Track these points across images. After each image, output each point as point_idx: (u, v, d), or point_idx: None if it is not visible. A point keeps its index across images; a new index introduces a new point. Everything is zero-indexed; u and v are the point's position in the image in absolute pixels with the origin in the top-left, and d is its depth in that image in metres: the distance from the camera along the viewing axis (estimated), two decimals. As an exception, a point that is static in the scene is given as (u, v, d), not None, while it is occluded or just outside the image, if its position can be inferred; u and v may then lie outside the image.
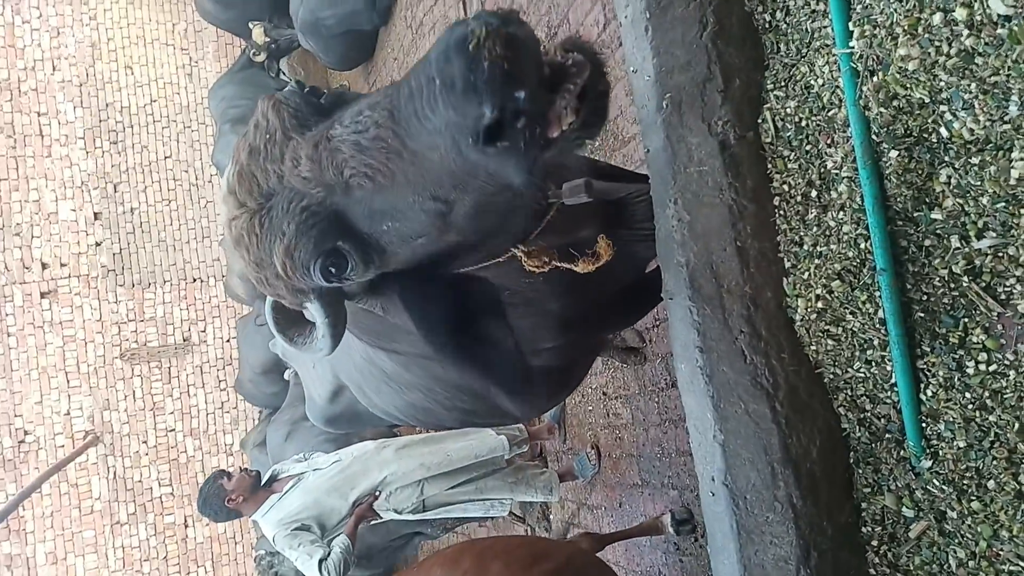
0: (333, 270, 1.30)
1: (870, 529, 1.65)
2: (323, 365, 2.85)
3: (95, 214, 9.92)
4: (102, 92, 10.13)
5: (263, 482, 3.79)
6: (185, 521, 9.79)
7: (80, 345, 9.72)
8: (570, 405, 4.23)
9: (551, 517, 4.64)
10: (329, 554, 3.51)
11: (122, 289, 9.89)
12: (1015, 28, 1.17)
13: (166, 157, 10.23)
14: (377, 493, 3.81)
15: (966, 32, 1.23)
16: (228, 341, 9.82)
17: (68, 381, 9.67)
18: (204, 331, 10.05)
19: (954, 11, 1.24)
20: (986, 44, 1.22)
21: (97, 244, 9.87)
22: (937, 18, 1.27)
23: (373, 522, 3.95)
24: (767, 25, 1.72)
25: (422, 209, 1.23)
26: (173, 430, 9.93)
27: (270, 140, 1.29)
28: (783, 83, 1.69)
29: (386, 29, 7.35)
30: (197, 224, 10.24)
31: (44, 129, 9.84)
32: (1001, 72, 1.23)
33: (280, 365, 6.64)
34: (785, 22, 1.69)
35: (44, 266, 9.73)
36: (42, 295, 9.72)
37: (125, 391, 9.81)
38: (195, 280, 10.16)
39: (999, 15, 1.18)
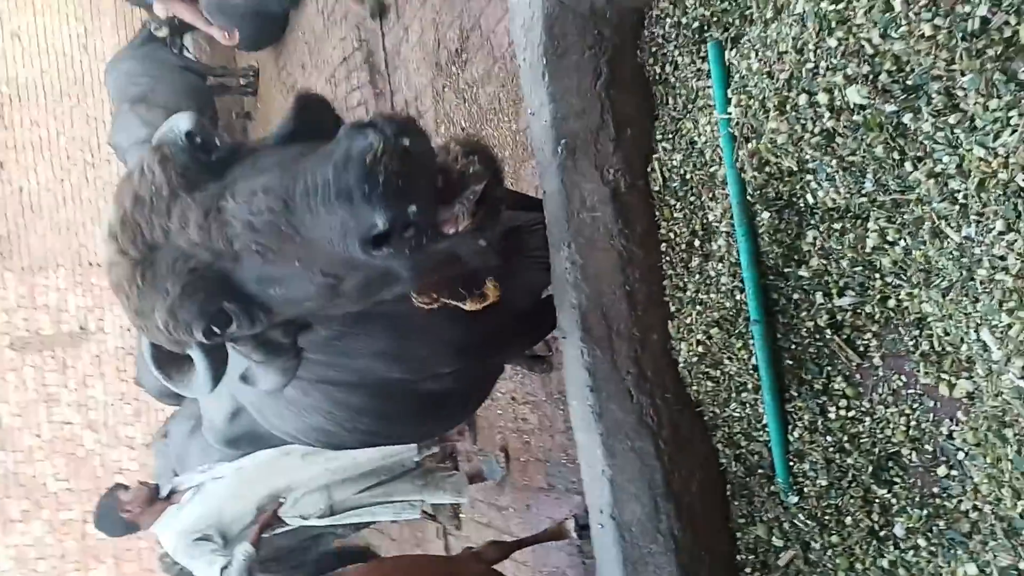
0: (216, 329, 1.30)
1: (744, 557, 1.77)
2: (220, 387, 2.80)
3: (-21, 194, 9.30)
4: (-14, 62, 9.46)
5: (162, 495, 3.70)
6: (84, 517, 9.39)
7: (-36, 334, 9.15)
8: (480, 409, 4.29)
9: (461, 516, 4.71)
10: (230, 563, 3.47)
11: (11, 274, 9.33)
12: (868, 116, 1.27)
13: (59, 134, 9.67)
14: (282, 500, 3.78)
15: (827, 115, 1.32)
16: (128, 329, 9.42)
17: (-50, 373, 9.10)
18: (102, 319, 9.61)
19: (817, 95, 1.32)
20: (845, 127, 1.31)
21: (-18, 227, 9.27)
22: (803, 99, 1.35)
23: (280, 530, 3.92)
24: (657, 77, 1.79)
25: (312, 282, 1.25)
26: (70, 423, 9.49)
27: (156, 194, 1.26)
28: (671, 135, 1.76)
29: (297, 11, 7.14)
30: (93, 205, 9.73)
31: (-80, 101, 9.14)
32: (857, 153, 1.33)
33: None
34: (674, 76, 1.76)
35: (-78, 249, 9.09)
36: (-80, 280, 9.08)
37: (15, 382, 9.30)
38: (91, 264, 9.67)
39: (855, 103, 1.27)
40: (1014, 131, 1.08)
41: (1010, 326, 1.14)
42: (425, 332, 1.91)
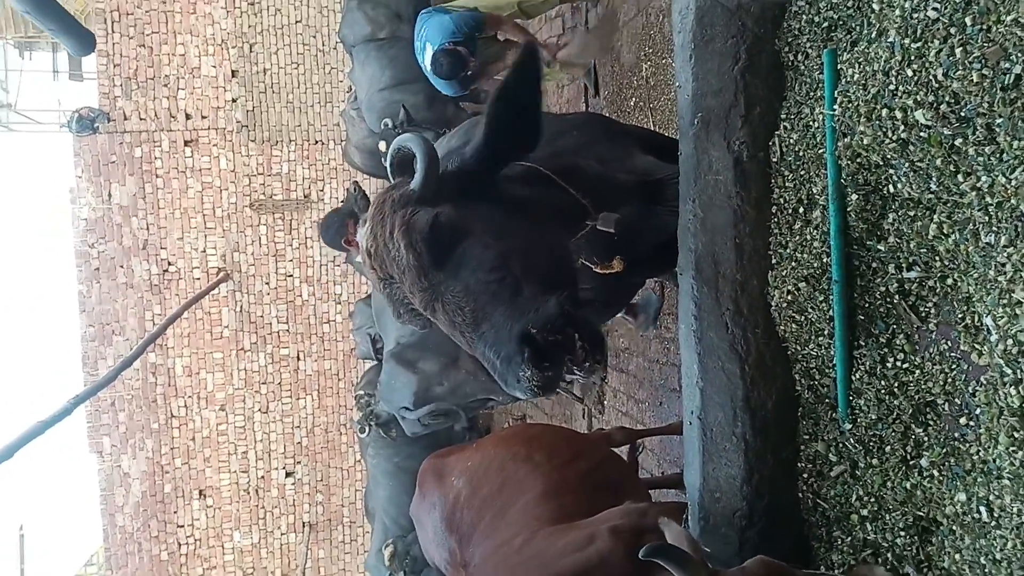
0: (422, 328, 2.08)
1: (803, 465, 2.19)
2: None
3: (232, 71, 10.74)
4: (242, -48, 10.65)
5: None
6: (298, 355, 11.15)
7: (216, 192, 10.85)
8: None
9: (605, 402, 5.34)
10: None
11: (253, 144, 10.83)
12: (932, 134, 1.57)
13: (297, 21, 10.81)
14: None
15: (902, 128, 1.63)
16: (343, 202, 10.72)
17: (205, 223, 10.89)
18: (323, 190, 10.98)
19: (895, 111, 1.63)
20: (914, 139, 1.62)
21: (233, 100, 10.75)
22: (884, 112, 1.65)
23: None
24: (790, 64, 2.10)
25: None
26: (291, 276, 11.13)
27: (399, 258, 1.93)
28: (792, 117, 2.08)
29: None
30: (321, 89, 10.92)
31: (190, -14, 10.54)
32: (924, 160, 1.63)
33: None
34: (803, 65, 2.06)
35: (188, 116, 10.74)
36: (185, 143, 10.79)
37: (252, 237, 10.98)
38: (317, 142, 10.98)
39: (922, 123, 1.57)
40: (1024, 169, 1.37)
41: (1002, 317, 1.46)
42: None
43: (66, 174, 10.96)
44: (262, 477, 11.26)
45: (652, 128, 4.27)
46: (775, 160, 2.13)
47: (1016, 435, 1.50)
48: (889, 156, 1.73)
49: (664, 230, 2.51)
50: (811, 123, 2.02)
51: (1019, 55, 1.37)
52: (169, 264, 10.91)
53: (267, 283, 11.01)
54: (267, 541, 11.21)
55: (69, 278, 11.10)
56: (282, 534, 11.23)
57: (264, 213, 10.92)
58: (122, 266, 10.74)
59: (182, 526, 11.11)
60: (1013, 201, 1.40)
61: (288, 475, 11.25)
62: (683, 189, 2.24)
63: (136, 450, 11.03)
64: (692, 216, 2.20)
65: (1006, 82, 1.38)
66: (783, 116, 2.12)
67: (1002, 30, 1.41)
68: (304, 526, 11.22)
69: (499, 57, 5.06)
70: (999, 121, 1.41)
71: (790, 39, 2.09)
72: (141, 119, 10.67)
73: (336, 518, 11.27)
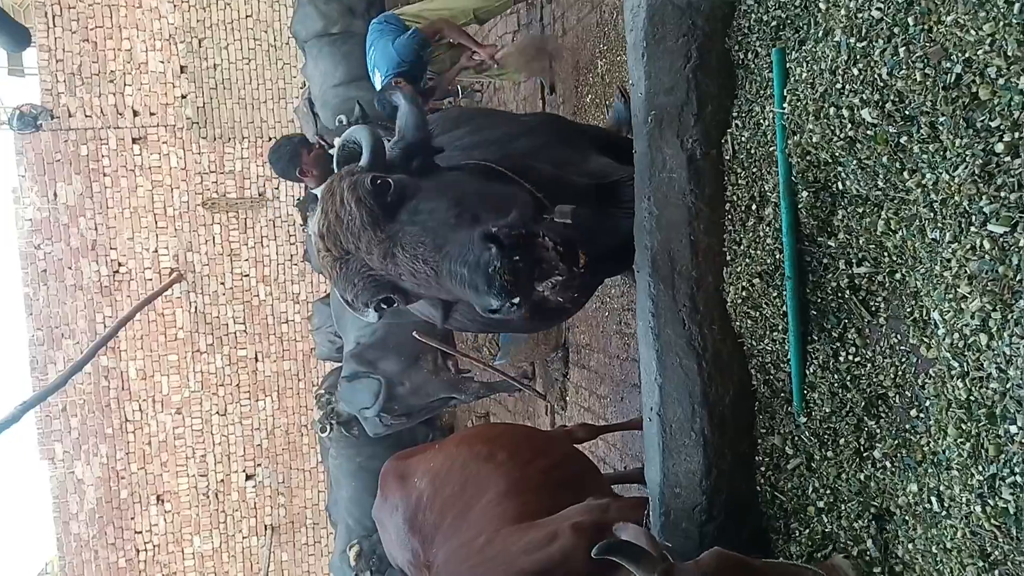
0: (384, 305, 1.98)
1: (761, 459, 2.22)
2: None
3: (181, 67, 10.50)
4: (189, -55, 10.40)
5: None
6: (256, 356, 10.98)
7: (167, 190, 10.61)
8: (591, 308, 4.81)
9: (567, 399, 5.36)
10: None
11: (204, 141, 10.62)
12: (878, 132, 1.59)
13: (247, 16, 10.61)
14: None
15: (849, 126, 1.65)
16: (298, 201, 10.55)
17: (156, 222, 10.64)
18: (277, 188, 10.81)
19: (842, 110, 1.65)
20: (861, 137, 1.64)
21: (183, 97, 10.52)
22: (832, 111, 1.68)
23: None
24: (740, 62, 2.11)
25: (440, 294, 1.96)
26: (247, 275, 10.94)
27: (352, 221, 1.89)
28: (744, 115, 2.10)
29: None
30: (274, 85, 10.74)
31: (135, -21, 10.26)
32: (871, 158, 1.66)
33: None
34: (753, 64, 2.08)
35: (135, 113, 10.48)
36: (133, 140, 10.53)
37: (206, 236, 10.77)
38: (270, 139, 10.79)
39: (868, 121, 1.60)
40: (967, 167, 1.40)
41: (948, 312, 1.49)
42: None
43: (8, 173, 10.63)
44: (221, 480, 11.08)
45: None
46: (728, 158, 2.15)
47: (963, 427, 1.53)
48: (837, 154, 1.75)
49: (619, 232, 2.52)
50: (762, 121, 2.04)
51: (959, 55, 1.40)
52: (120, 265, 10.65)
53: (222, 283, 10.81)
54: (228, 545, 11.04)
55: (15, 280, 10.77)
56: (244, 538, 11.06)
57: (217, 212, 10.71)
58: (70, 267, 10.45)
59: (140, 532, 10.88)
60: (956, 198, 1.43)
61: (248, 478, 11.09)
62: (639, 187, 2.24)
63: (90, 456, 10.76)
64: (648, 214, 2.20)
65: (948, 81, 1.41)
66: (735, 114, 2.13)
67: (943, 30, 1.43)
68: (266, 529, 11.07)
69: (452, 62, 5.01)
70: (942, 119, 1.44)
71: (740, 38, 2.10)
72: (87, 116, 10.37)
73: (299, 520, 11.15)
